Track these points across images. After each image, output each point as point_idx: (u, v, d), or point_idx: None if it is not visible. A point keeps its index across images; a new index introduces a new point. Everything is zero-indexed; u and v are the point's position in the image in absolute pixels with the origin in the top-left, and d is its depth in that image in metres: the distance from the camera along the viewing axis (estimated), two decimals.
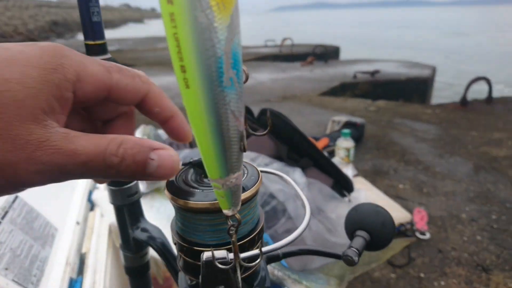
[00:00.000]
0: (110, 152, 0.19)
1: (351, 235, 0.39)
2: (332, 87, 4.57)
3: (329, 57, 7.09)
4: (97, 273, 0.72)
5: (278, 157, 1.17)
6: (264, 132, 0.25)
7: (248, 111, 1.55)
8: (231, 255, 0.26)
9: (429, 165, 2.26)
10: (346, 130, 1.97)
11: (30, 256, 0.65)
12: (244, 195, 0.27)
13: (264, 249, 0.29)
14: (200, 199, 0.27)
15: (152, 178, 0.21)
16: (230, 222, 0.24)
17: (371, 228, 0.37)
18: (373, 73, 5.12)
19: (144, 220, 0.44)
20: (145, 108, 0.25)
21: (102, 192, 1.00)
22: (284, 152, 1.16)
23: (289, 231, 1.02)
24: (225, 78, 0.17)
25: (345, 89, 4.75)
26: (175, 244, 0.31)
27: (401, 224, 1.61)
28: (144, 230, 0.43)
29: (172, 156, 0.21)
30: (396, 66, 6.03)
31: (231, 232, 0.24)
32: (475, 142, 2.60)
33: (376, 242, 0.37)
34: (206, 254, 0.25)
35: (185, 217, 0.29)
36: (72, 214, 0.87)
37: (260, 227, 0.30)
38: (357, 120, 2.55)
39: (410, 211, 1.70)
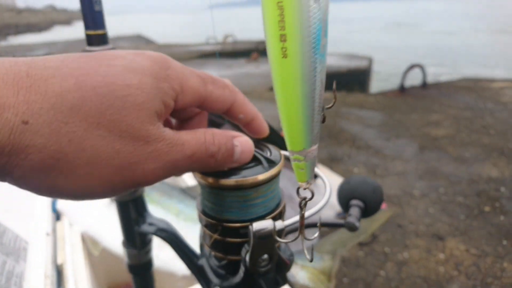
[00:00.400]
0: (209, 142, 0.22)
1: (346, 205, 0.42)
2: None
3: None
4: (78, 284, 0.68)
5: None
6: (330, 105, 0.25)
7: None
8: (278, 225, 0.27)
9: (378, 149, 2.40)
10: None
11: (5, 272, 0.59)
12: (278, 168, 0.28)
13: (288, 221, 0.30)
14: (231, 176, 0.27)
15: (236, 163, 0.24)
16: (301, 196, 0.24)
17: (364, 196, 0.40)
18: None
19: (149, 214, 0.43)
20: (230, 115, 0.27)
21: (66, 201, 0.93)
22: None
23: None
24: (321, 45, 0.18)
25: None
26: (205, 226, 0.31)
27: None
28: (151, 224, 0.41)
29: (248, 141, 0.24)
30: (336, 59, 6.31)
31: (302, 205, 0.25)
32: (416, 125, 2.82)
33: (369, 208, 0.40)
34: (256, 225, 0.26)
35: (218, 195, 0.29)
36: (40, 225, 0.81)
37: (283, 201, 0.32)
38: None
39: None
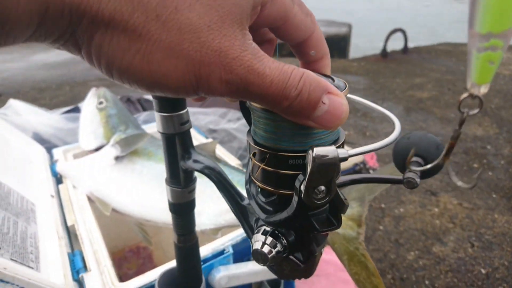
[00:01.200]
0: (292, 83, 0.18)
1: (403, 164, 0.39)
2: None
3: None
4: (94, 244, 0.64)
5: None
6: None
7: None
8: (341, 152, 0.24)
9: (366, 112, 2.41)
10: None
11: (19, 233, 0.55)
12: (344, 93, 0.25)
13: (353, 151, 0.27)
14: None
15: (313, 123, 0.20)
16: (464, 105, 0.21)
17: (425, 153, 0.37)
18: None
19: (195, 150, 0.39)
20: (301, 49, 0.24)
21: (67, 163, 0.88)
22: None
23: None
24: None
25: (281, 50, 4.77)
26: (253, 155, 0.28)
27: (356, 164, 1.73)
28: (196, 161, 0.38)
29: (343, 105, 0.20)
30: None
31: (464, 117, 0.21)
32: (400, 88, 2.84)
33: (431, 168, 0.37)
34: (318, 151, 0.23)
35: (273, 121, 0.26)
36: (43, 188, 0.75)
37: (344, 137, 0.29)
38: None
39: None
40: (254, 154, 0.29)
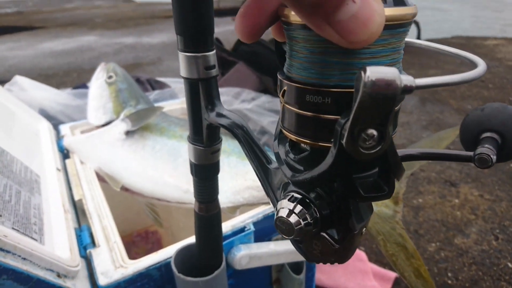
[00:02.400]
0: None
1: (474, 140, 0.32)
2: (270, 39, 4.50)
3: None
4: (103, 220, 0.59)
5: (263, 90, 1.09)
6: None
7: (219, 41, 1.41)
8: (405, 79, 0.18)
9: None
10: None
11: (22, 202, 0.50)
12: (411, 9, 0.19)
13: (420, 80, 0.20)
14: None
15: (330, 30, 0.15)
16: None
17: (503, 128, 0.30)
18: None
19: (220, 103, 0.34)
20: None
21: (75, 137, 0.83)
22: (270, 83, 1.08)
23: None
24: None
25: None
26: (282, 95, 0.22)
27: None
28: (221, 115, 0.33)
29: (376, 12, 0.15)
30: None
31: None
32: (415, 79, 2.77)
33: (510, 145, 0.30)
34: (373, 72, 0.16)
35: (304, 42, 0.20)
36: (49, 161, 0.71)
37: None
38: None
39: None
40: (283, 94, 0.23)
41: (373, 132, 0.18)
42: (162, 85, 1.34)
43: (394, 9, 0.19)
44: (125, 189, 0.75)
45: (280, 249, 0.56)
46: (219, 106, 0.33)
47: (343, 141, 0.18)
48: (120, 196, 0.77)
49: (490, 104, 0.33)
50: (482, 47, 3.81)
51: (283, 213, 0.24)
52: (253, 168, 0.31)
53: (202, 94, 0.32)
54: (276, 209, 0.25)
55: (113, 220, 0.61)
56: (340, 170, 0.20)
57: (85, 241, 0.55)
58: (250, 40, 0.23)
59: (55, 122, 0.98)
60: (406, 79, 0.17)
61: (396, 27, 0.19)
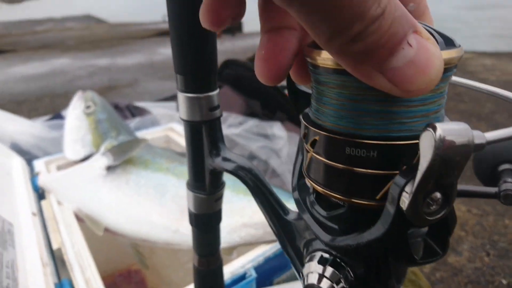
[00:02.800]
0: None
1: (492, 173, 0.31)
2: (248, 58, 4.54)
3: (235, 30, 7.04)
4: (86, 270, 0.54)
5: (250, 114, 1.06)
6: None
7: None
8: (477, 135, 0.15)
9: None
10: None
11: None
12: (447, 54, 0.17)
13: (491, 134, 0.18)
14: None
15: (383, 80, 0.13)
16: None
17: None
18: None
19: (225, 146, 0.30)
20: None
21: (51, 175, 0.76)
22: (257, 107, 1.05)
23: (278, 188, 0.93)
24: None
25: None
26: (311, 145, 0.19)
27: None
28: (227, 159, 0.29)
29: (435, 56, 0.13)
30: None
31: None
32: None
33: None
34: (444, 129, 0.14)
35: (340, 88, 0.18)
36: (23, 204, 0.64)
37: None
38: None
39: None
40: (313, 144, 0.20)
41: (438, 195, 0.15)
42: (142, 111, 1.29)
43: (446, 52, 0.16)
44: (108, 231, 0.69)
45: None
46: (224, 150, 0.29)
47: (404, 206, 0.15)
48: (105, 234, 0.71)
49: None
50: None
51: (313, 279, 0.20)
52: (267, 220, 0.27)
53: (205, 137, 0.29)
54: (302, 274, 0.22)
55: (97, 270, 0.55)
56: (394, 236, 0.17)
57: None
58: (277, 82, 0.20)
59: (29, 157, 0.91)
60: (478, 136, 0.14)
61: (447, 71, 0.17)
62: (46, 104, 2.98)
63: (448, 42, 0.17)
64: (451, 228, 0.20)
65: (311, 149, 0.20)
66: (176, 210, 0.67)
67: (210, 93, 0.27)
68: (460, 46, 0.18)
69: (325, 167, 0.19)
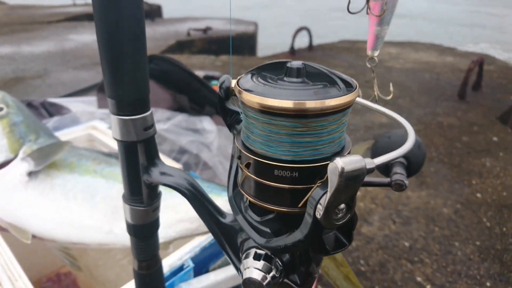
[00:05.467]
0: None
1: (385, 165, 0.38)
2: (169, 45, 4.41)
3: (154, 16, 6.75)
4: (17, 282, 0.52)
5: (178, 108, 1.07)
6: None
7: None
8: (368, 162, 0.21)
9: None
10: (216, 81, 1.97)
11: None
12: (357, 92, 0.23)
13: (378, 160, 0.25)
14: (311, 98, 0.21)
15: None
16: None
17: (408, 153, 0.36)
18: (206, 30, 5.17)
19: (160, 160, 0.33)
20: None
21: None
22: (185, 102, 1.06)
23: (211, 180, 0.97)
24: None
25: (182, 47, 4.65)
26: (246, 166, 0.24)
27: None
28: (164, 173, 0.32)
29: None
30: (223, 23, 6.22)
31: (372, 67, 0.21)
32: None
33: (414, 165, 0.35)
34: (343, 162, 0.19)
35: (279, 126, 0.23)
36: None
37: (349, 149, 0.26)
38: (214, 73, 2.57)
39: None
40: (248, 165, 0.25)
41: (343, 206, 0.21)
42: (59, 109, 1.21)
43: (347, 96, 0.22)
44: (35, 238, 0.67)
45: (220, 278, 0.57)
46: (161, 165, 0.32)
47: (319, 216, 0.21)
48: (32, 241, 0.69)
49: (394, 131, 0.39)
50: (364, 50, 4.30)
51: (250, 273, 0.25)
52: (206, 225, 0.31)
53: (141, 155, 0.31)
54: (240, 269, 0.26)
55: (28, 280, 0.54)
56: (313, 237, 0.23)
57: None
58: None
59: None
60: (369, 162, 0.20)
61: (347, 108, 0.23)
62: None
63: (348, 86, 0.23)
64: (354, 225, 0.26)
65: (246, 169, 0.25)
66: (108, 212, 0.67)
67: (144, 114, 0.30)
68: (356, 86, 0.24)
69: (257, 183, 0.24)
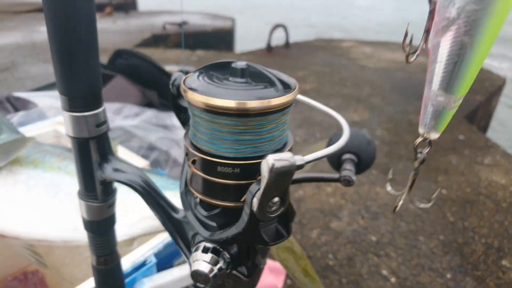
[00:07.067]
0: None
1: (337, 161, 0.38)
2: (144, 39, 4.33)
3: (128, 8, 6.61)
4: None
5: (147, 104, 1.06)
6: None
7: None
8: (297, 159, 0.23)
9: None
10: None
11: None
12: (295, 94, 0.25)
13: (308, 157, 0.26)
14: (246, 98, 0.22)
15: None
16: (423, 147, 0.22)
17: (358, 150, 0.36)
18: (182, 24, 5.11)
19: (114, 157, 0.34)
20: None
21: None
22: (154, 97, 1.05)
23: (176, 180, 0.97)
24: None
25: (157, 41, 4.58)
26: (192, 163, 0.26)
27: None
28: (117, 170, 0.33)
29: None
30: (200, 18, 6.16)
31: (419, 155, 0.23)
32: None
33: (363, 163, 0.37)
34: (273, 159, 0.20)
35: (221, 125, 0.24)
36: None
37: (292, 142, 0.28)
38: (188, 68, 2.55)
39: None
40: (194, 162, 0.26)
41: (277, 199, 0.22)
42: (25, 103, 1.18)
43: (286, 96, 0.23)
44: None
45: (184, 273, 0.57)
46: (114, 161, 0.33)
47: (254, 208, 0.22)
48: None
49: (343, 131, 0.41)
50: (339, 48, 4.38)
51: (198, 265, 0.26)
52: (159, 219, 0.32)
53: (93, 151, 0.32)
54: (190, 262, 0.27)
55: None
56: (251, 229, 0.24)
57: None
58: None
59: None
60: (299, 159, 0.21)
61: (287, 108, 0.24)
62: None
63: (286, 87, 0.24)
64: (291, 217, 0.28)
65: (192, 166, 0.26)
66: (73, 209, 0.66)
67: (96, 111, 0.30)
68: (296, 87, 0.25)
69: (203, 179, 0.25)
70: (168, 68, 2.53)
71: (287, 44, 4.14)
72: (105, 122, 0.31)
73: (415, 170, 0.25)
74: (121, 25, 5.25)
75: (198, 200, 0.28)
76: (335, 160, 0.41)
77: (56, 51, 0.27)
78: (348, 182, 0.37)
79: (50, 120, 1.00)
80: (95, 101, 0.30)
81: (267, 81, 0.24)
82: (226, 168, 0.23)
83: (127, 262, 0.52)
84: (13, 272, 0.94)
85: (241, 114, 0.22)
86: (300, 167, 0.21)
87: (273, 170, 0.20)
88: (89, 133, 0.30)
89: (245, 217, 0.23)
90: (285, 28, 3.97)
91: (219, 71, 0.25)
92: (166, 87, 1.10)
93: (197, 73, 0.25)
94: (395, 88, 2.93)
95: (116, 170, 0.32)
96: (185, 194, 0.29)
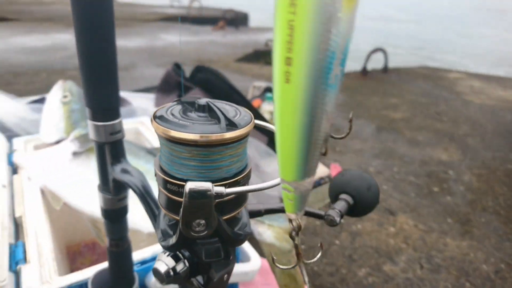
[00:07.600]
0: None
1: (334, 198, 0.38)
2: (246, 54, 4.60)
3: (240, 23, 7.08)
4: (39, 237, 0.64)
5: None
6: (342, 136, 0.25)
7: (178, 67, 1.48)
8: (217, 189, 0.25)
9: (339, 127, 2.47)
10: (270, 94, 2.04)
11: None
12: (237, 132, 0.27)
13: (230, 189, 0.28)
14: (189, 131, 0.26)
15: None
16: (292, 226, 0.24)
17: (355, 192, 0.37)
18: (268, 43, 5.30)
19: (126, 161, 0.41)
20: None
21: (25, 154, 0.87)
22: None
23: None
24: (331, 75, 0.16)
25: (258, 57, 4.81)
26: (157, 181, 0.30)
27: (321, 178, 1.77)
28: (124, 171, 0.40)
29: None
30: None
31: (293, 235, 0.24)
32: (376, 107, 2.92)
33: (360, 206, 0.37)
34: (190, 185, 0.24)
35: (171, 149, 0.28)
36: None
37: (247, 172, 0.30)
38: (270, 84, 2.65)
39: (327, 166, 1.86)
40: (156, 178, 0.30)
41: (202, 221, 0.26)
42: (122, 101, 1.39)
43: (231, 133, 0.26)
44: (67, 206, 0.80)
45: None
46: (124, 164, 0.40)
47: (179, 225, 0.26)
48: (65, 208, 0.82)
49: (349, 171, 0.41)
50: (445, 79, 4.05)
51: (159, 265, 0.31)
52: (150, 220, 0.38)
53: (108, 154, 0.39)
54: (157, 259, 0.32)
55: (51, 238, 0.66)
56: (187, 241, 0.28)
57: (18, 257, 0.60)
58: None
59: (11, 134, 1.01)
60: (218, 190, 0.25)
61: (238, 141, 0.27)
62: (43, 79, 3.06)
63: (231, 125, 0.27)
64: (230, 242, 0.30)
65: (157, 180, 0.31)
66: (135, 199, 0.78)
67: (112, 122, 0.38)
68: (245, 126, 0.28)
69: (161, 193, 0.30)
70: (256, 83, 2.67)
71: (385, 69, 3.99)
72: (119, 131, 0.39)
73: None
74: (230, 39, 5.66)
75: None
76: (333, 197, 0.42)
77: (83, 74, 0.35)
78: (331, 222, 0.38)
79: (135, 119, 1.16)
80: (112, 115, 0.38)
81: (216, 118, 0.27)
82: (174, 186, 0.28)
83: (148, 252, 0.60)
84: (87, 239, 1.11)
85: (186, 143, 0.26)
86: (219, 196, 0.25)
87: (187, 194, 0.24)
88: (106, 139, 0.38)
89: (177, 231, 0.27)
90: (384, 52, 3.84)
91: (191, 105, 0.30)
92: (235, 102, 1.19)
93: (171, 104, 0.30)
94: (499, 130, 2.61)
95: (123, 171, 0.39)
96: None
